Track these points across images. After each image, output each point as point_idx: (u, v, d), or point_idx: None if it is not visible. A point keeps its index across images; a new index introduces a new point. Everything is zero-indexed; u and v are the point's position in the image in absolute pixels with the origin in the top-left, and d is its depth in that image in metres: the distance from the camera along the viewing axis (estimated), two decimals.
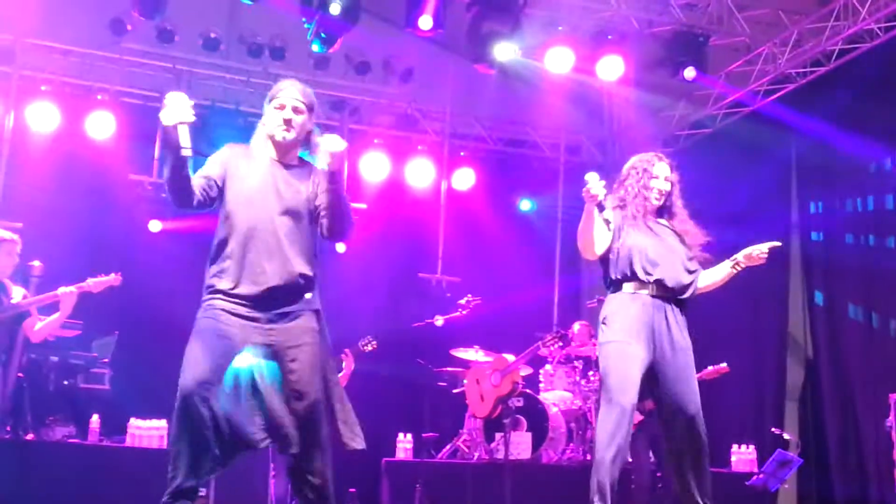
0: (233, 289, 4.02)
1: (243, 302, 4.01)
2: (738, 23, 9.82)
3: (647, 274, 4.95)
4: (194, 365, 3.92)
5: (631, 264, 4.96)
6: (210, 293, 4.06)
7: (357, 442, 4.26)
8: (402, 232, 11.17)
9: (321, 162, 4.09)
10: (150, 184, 10.12)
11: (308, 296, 4.16)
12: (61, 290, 6.26)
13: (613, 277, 5.04)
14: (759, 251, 5.17)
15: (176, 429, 3.92)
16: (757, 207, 10.26)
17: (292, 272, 4.08)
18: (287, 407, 3.98)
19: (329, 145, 4.01)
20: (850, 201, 9.58)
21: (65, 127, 10.10)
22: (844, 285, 9.56)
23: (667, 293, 4.99)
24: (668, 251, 5.05)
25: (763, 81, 10.18)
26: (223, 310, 4.00)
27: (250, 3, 8.60)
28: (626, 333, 4.88)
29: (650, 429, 7.59)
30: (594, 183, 4.82)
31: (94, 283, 6.31)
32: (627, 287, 4.98)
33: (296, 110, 4.20)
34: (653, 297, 4.95)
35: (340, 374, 7.56)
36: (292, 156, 4.25)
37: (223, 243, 4.08)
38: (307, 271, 4.14)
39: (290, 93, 4.25)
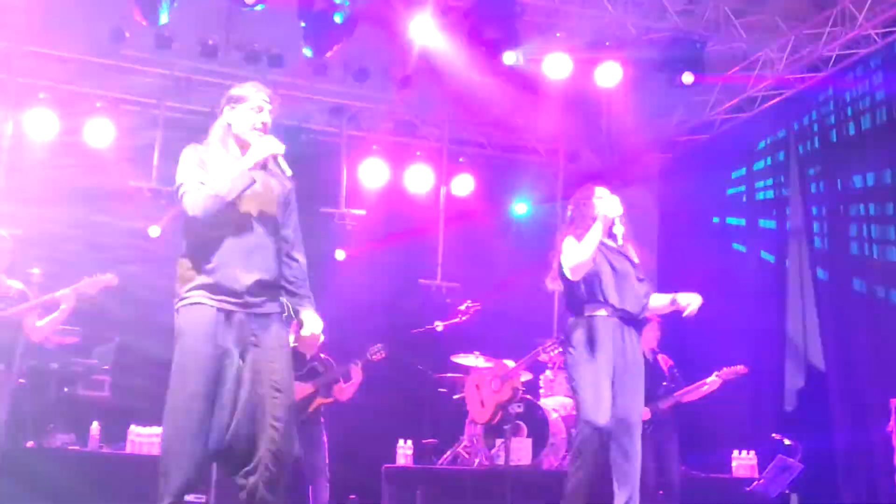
0: (214, 288, 4.02)
1: (224, 302, 4.01)
2: (736, 29, 9.83)
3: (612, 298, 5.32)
4: (188, 375, 3.95)
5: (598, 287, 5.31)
6: (189, 291, 4.05)
7: None
8: (402, 238, 11.15)
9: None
10: (149, 190, 10.12)
11: (283, 299, 4.20)
12: (60, 292, 6.26)
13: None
14: (691, 308, 5.62)
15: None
16: (754, 212, 10.28)
17: (271, 272, 4.11)
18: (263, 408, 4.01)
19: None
20: (853, 207, 9.58)
21: (63, 134, 10.09)
22: (846, 290, 9.56)
23: (627, 315, 5.37)
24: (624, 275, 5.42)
25: (761, 87, 10.20)
26: (203, 310, 4.01)
27: (248, 9, 8.59)
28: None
29: (655, 434, 7.60)
30: (612, 202, 5.07)
31: (90, 283, 6.29)
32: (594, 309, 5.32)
33: (266, 116, 4.27)
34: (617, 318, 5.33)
35: (348, 384, 7.57)
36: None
37: (202, 243, 4.07)
38: (280, 270, 4.20)
39: (262, 96, 4.28)
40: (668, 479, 7.58)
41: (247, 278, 4.04)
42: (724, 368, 7.70)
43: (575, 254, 5.22)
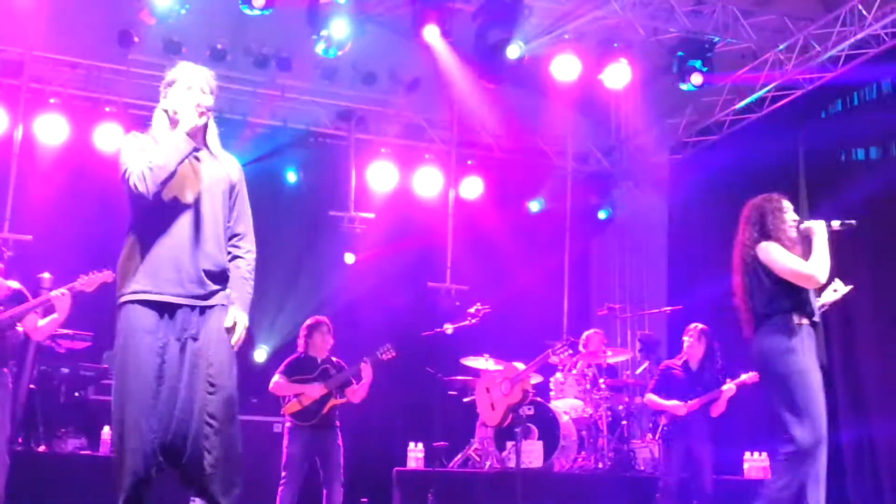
0: (153, 281, 3.97)
1: (163, 294, 3.96)
2: (745, 29, 9.81)
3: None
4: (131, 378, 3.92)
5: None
6: (128, 286, 4.01)
7: None
8: (411, 241, 11.16)
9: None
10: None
11: (227, 290, 4.12)
12: (53, 293, 6.21)
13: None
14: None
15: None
16: None
17: (214, 262, 4.06)
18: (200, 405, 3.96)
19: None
20: (859, 206, 9.53)
21: (73, 139, 10.13)
22: (856, 290, 9.51)
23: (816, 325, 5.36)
24: None
25: (770, 87, 10.18)
26: (141, 306, 3.97)
27: (256, 13, 8.61)
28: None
29: (685, 438, 7.63)
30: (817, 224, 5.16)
31: (86, 281, 6.23)
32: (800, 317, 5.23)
33: (205, 94, 4.13)
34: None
35: (360, 385, 7.56)
36: (198, 140, 4.13)
37: (142, 235, 4.04)
38: (227, 261, 4.14)
39: (193, 75, 4.18)
40: (700, 486, 7.61)
41: (186, 270, 3.98)
42: (742, 375, 7.69)
43: (816, 266, 5.15)
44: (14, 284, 6.35)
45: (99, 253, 9.62)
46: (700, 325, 8.06)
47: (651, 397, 8.08)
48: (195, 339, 3.97)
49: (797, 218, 5.43)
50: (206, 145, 4.19)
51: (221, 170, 4.18)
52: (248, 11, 8.63)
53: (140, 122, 10.37)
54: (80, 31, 9.76)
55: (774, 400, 5.20)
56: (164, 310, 3.96)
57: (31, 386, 7.56)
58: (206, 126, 4.17)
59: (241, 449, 4.04)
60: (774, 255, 5.21)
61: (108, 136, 10.13)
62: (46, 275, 7.76)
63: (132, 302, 3.98)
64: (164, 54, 9.85)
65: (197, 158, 4.12)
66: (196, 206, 4.05)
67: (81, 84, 10.33)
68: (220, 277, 4.09)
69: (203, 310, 4.02)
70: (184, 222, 4.01)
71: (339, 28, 8.91)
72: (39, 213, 9.61)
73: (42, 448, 7.89)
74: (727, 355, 8.05)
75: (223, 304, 4.07)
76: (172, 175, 3.96)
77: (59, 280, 7.33)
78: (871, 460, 9.02)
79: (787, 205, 5.48)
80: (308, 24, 9.03)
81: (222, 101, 10.77)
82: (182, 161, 3.98)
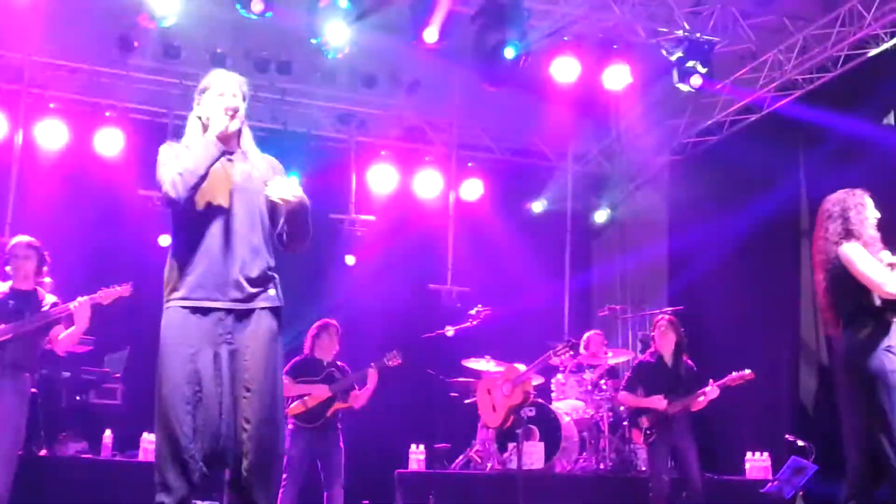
0: (194, 287, 3.98)
1: (204, 300, 3.98)
2: (743, 30, 9.82)
3: None
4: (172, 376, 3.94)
5: None
6: (171, 293, 4.03)
7: None
8: (412, 243, 11.17)
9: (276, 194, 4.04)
10: (159, 199, 10.12)
11: (271, 292, 4.12)
12: (73, 304, 6.25)
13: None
14: None
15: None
16: (766, 215, 10.23)
17: (254, 266, 4.06)
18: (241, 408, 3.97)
19: (280, 191, 4.00)
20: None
21: (73, 144, 10.15)
22: None
23: None
24: None
25: (769, 88, 10.18)
26: (182, 312, 3.98)
27: (255, 17, 8.61)
28: None
29: (669, 437, 7.57)
30: None
31: (105, 294, 6.29)
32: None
33: (236, 98, 4.17)
34: None
35: (363, 390, 7.57)
36: (232, 144, 4.17)
37: (184, 242, 4.05)
38: (270, 262, 4.13)
39: (225, 81, 4.22)
40: (690, 481, 7.50)
41: (224, 274, 3.99)
42: (732, 373, 7.62)
43: (892, 279, 5.07)
44: (51, 298, 6.39)
45: (99, 258, 9.73)
46: (667, 316, 7.96)
47: (625, 395, 7.98)
48: (233, 344, 3.98)
49: (878, 214, 5.34)
50: (240, 150, 4.21)
51: (258, 172, 4.18)
52: (246, 15, 8.63)
53: (140, 126, 10.44)
54: (80, 36, 9.77)
55: (857, 403, 5.10)
56: (203, 315, 3.97)
57: (32, 390, 7.54)
58: (240, 131, 4.21)
59: (282, 452, 4.08)
60: (855, 256, 5.13)
61: (108, 141, 10.15)
62: (47, 279, 7.76)
63: (171, 307, 4.01)
64: (164, 59, 9.88)
65: (230, 161, 4.13)
66: (231, 210, 4.05)
67: (81, 89, 10.35)
68: (260, 280, 4.08)
69: (242, 314, 4.02)
70: (219, 227, 4.02)
71: (338, 31, 8.90)
72: (40, 217, 9.59)
73: (43, 452, 7.89)
74: (722, 354, 8.01)
75: (263, 308, 4.06)
76: (204, 178, 3.97)
77: (60, 285, 7.34)
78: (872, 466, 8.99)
79: (868, 200, 5.37)
80: (307, 28, 9.03)
81: None
82: (212, 164, 4.00)
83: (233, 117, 4.10)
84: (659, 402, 7.57)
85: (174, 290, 4.01)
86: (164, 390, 3.92)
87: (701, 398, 7.56)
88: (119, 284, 6.32)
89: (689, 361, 7.83)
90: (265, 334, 4.04)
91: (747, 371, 7.60)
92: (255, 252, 4.07)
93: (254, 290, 4.04)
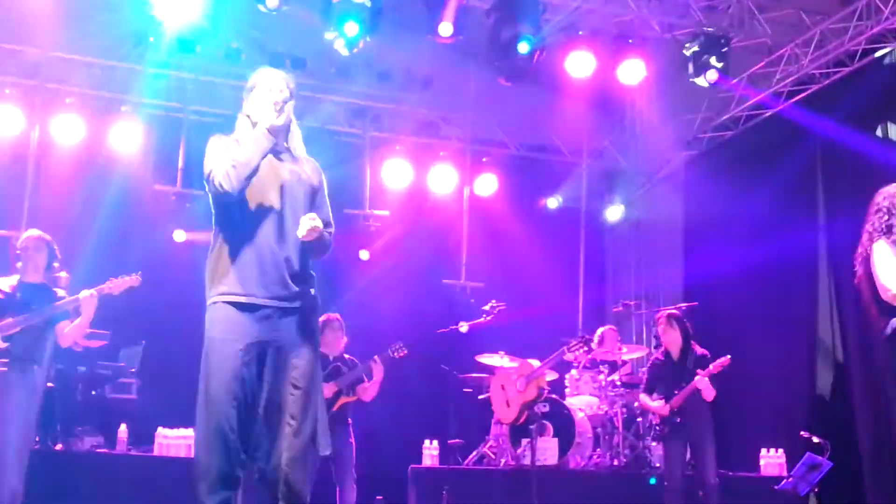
0: (240, 283, 4.01)
1: (251, 297, 4.00)
2: (760, 24, 9.77)
3: None
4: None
5: None
6: (216, 288, 4.05)
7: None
8: (426, 238, 11.17)
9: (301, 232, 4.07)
10: (174, 194, 10.18)
11: (312, 290, 4.16)
12: (82, 294, 6.25)
13: None
14: None
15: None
16: (782, 210, 10.19)
17: (299, 264, 4.10)
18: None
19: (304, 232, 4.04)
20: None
21: (89, 139, 10.18)
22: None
23: None
24: None
25: (786, 83, 10.13)
26: (228, 308, 4.01)
27: (272, 10, 8.60)
28: None
29: (685, 433, 7.52)
30: None
31: (115, 284, 6.28)
32: None
33: (283, 93, 4.21)
34: None
35: (371, 383, 7.56)
36: (280, 141, 4.22)
37: (229, 237, 4.07)
38: (310, 261, 4.18)
39: (273, 77, 4.27)
40: (705, 480, 7.44)
41: (270, 272, 4.02)
42: (711, 365, 7.47)
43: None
44: (61, 292, 6.38)
45: (114, 252, 9.74)
46: (668, 311, 7.91)
47: (642, 398, 7.95)
48: (278, 341, 4.01)
49: None
50: (289, 149, 4.26)
51: (304, 172, 4.23)
52: (262, 8, 8.62)
53: (156, 121, 10.46)
54: (96, 31, 9.79)
55: None
56: (249, 312, 4.00)
57: (49, 384, 7.57)
58: (288, 129, 4.26)
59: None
60: (877, 254, 5.03)
61: (123, 136, 10.17)
62: (63, 274, 7.79)
63: (218, 303, 4.03)
64: (179, 54, 9.88)
65: (280, 160, 4.18)
66: (278, 208, 4.09)
67: (97, 84, 10.37)
68: (304, 278, 4.12)
69: (288, 311, 4.05)
70: (267, 224, 4.06)
71: (353, 26, 8.89)
72: (55, 212, 9.65)
73: (59, 446, 7.94)
74: (738, 350, 7.93)
75: (306, 306, 4.11)
76: (255, 171, 4.02)
77: (76, 279, 7.38)
78: (888, 458, 8.95)
79: None
80: (322, 23, 9.02)
81: (237, 100, 10.85)
82: (263, 156, 4.05)
83: (281, 111, 4.14)
84: (661, 408, 7.56)
85: (221, 285, 4.04)
86: (212, 385, 3.95)
87: (699, 388, 7.43)
88: (126, 275, 6.31)
89: (701, 350, 7.72)
90: (309, 333, 4.11)
91: (727, 357, 7.48)
92: (300, 251, 4.11)
93: (298, 289, 4.09)
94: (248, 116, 4.23)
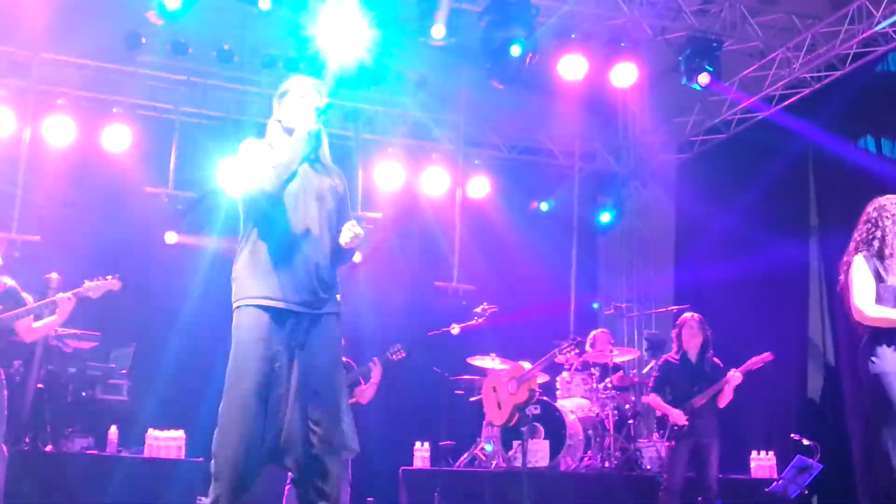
0: (268, 288, 4.01)
1: (278, 302, 4.01)
2: (752, 28, 9.80)
3: None
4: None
5: None
6: (244, 292, 4.05)
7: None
8: (418, 241, 11.17)
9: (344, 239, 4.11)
10: (166, 196, 10.17)
11: (337, 297, 4.19)
12: (59, 296, 6.17)
13: None
14: None
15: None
16: (774, 213, 10.22)
17: (327, 270, 4.13)
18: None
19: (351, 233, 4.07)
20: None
21: (81, 140, 10.15)
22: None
23: None
24: None
25: (777, 86, 10.16)
26: (256, 312, 4.01)
27: (265, 9, 8.60)
28: None
29: (692, 435, 7.52)
30: None
31: (92, 287, 6.21)
32: None
33: (322, 100, 4.26)
34: None
35: (368, 385, 7.56)
36: (313, 148, 4.25)
37: (258, 242, 4.08)
38: (336, 270, 4.22)
39: (305, 84, 4.30)
40: (706, 484, 7.44)
41: (300, 278, 4.03)
42: (753, 358, 7.54)
43: (867, 307, 4.89)
44: (8, 281, 6.28)
45: (106, 254, 9.72)
46: (696, 315, 7.90)
47: (654, 398, 7.92)
48: (304, 347, 4.02)
49: None
50: (321, 156, 4.30)
51: (333, 181, 4.26)
52: (254, 10, 8.62)
53: (147, 123, 10.44)
54: (88, 33, 9.77)
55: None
56: (277, 316, 4.00)
57: (39, 385, 7.57)
58: (320, 136, 4.30)
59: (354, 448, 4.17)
60: (854, 269, 5.02)
61: (115, 138, 10.15)
62: (54, 275, 7.78)
63: (246, 307, 4.03)
64: (172, 55, 9.88)
65: (312, 167, 4.20)
66: (310, 215, 4.11)
67: (89, 85, 10.35)
68: (331, 285, 4.14)
69: (315, 318, 4.07)
70: (300, 230, 4.07)
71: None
72: (47, 213, 9.64)
73: (49, 447, 7.91)
74: (729, 353, 7.97)
75: (332, 313, 4.13)
76: (294, 176, 4.06)
77: (66, 280, 7.38)
78: (883, 464, 8.96)
79: None
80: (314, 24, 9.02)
81: (229, 101, 10.89)
82: (302, 161, 4.09)
83: (319, 117, 4.19)
84: (679, 417, 7.50)
85: (251, 289, 4.04)
86: (239, 388, 3.95)
87: (725, 385, 7.48)
88: (104, 277, 6.24)
89: (715, 359, 7.76)
90: (334, 340, 4.13)
91: (768, 353, 7.55)
92: (328, 258, 4.13)
93: (325, 296, 4.11)
94: (280, 122, 4.25)
